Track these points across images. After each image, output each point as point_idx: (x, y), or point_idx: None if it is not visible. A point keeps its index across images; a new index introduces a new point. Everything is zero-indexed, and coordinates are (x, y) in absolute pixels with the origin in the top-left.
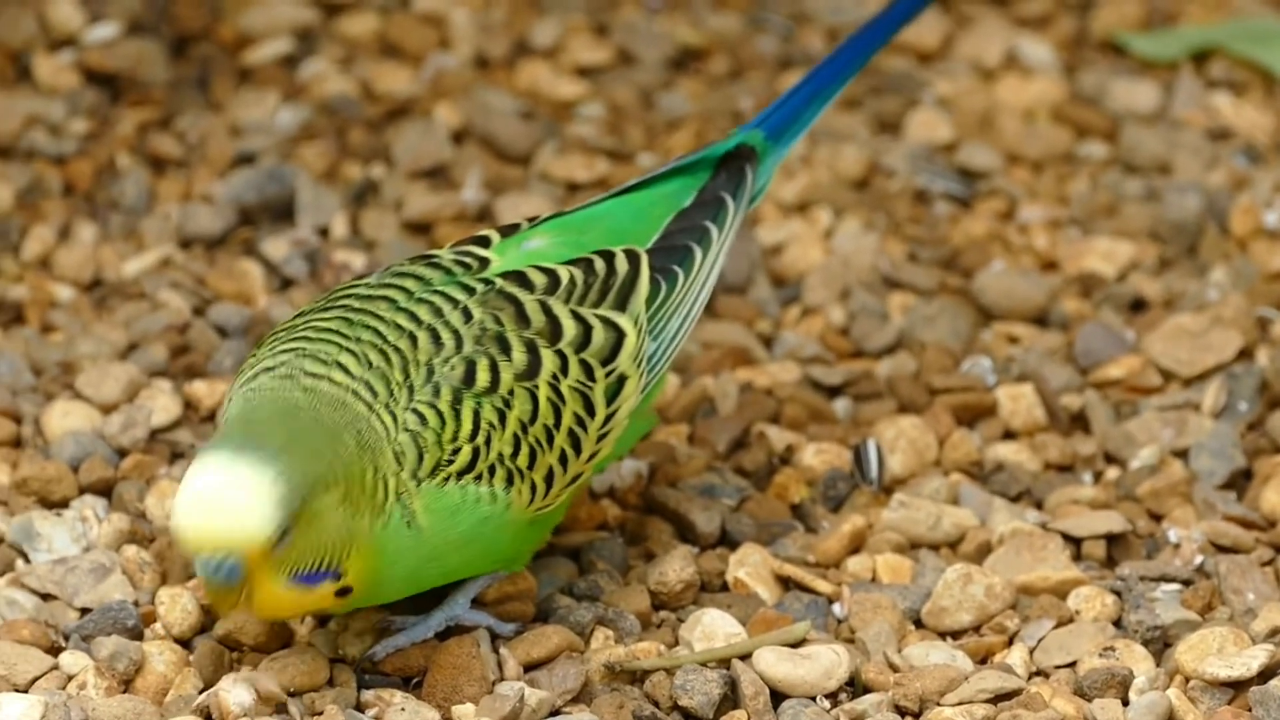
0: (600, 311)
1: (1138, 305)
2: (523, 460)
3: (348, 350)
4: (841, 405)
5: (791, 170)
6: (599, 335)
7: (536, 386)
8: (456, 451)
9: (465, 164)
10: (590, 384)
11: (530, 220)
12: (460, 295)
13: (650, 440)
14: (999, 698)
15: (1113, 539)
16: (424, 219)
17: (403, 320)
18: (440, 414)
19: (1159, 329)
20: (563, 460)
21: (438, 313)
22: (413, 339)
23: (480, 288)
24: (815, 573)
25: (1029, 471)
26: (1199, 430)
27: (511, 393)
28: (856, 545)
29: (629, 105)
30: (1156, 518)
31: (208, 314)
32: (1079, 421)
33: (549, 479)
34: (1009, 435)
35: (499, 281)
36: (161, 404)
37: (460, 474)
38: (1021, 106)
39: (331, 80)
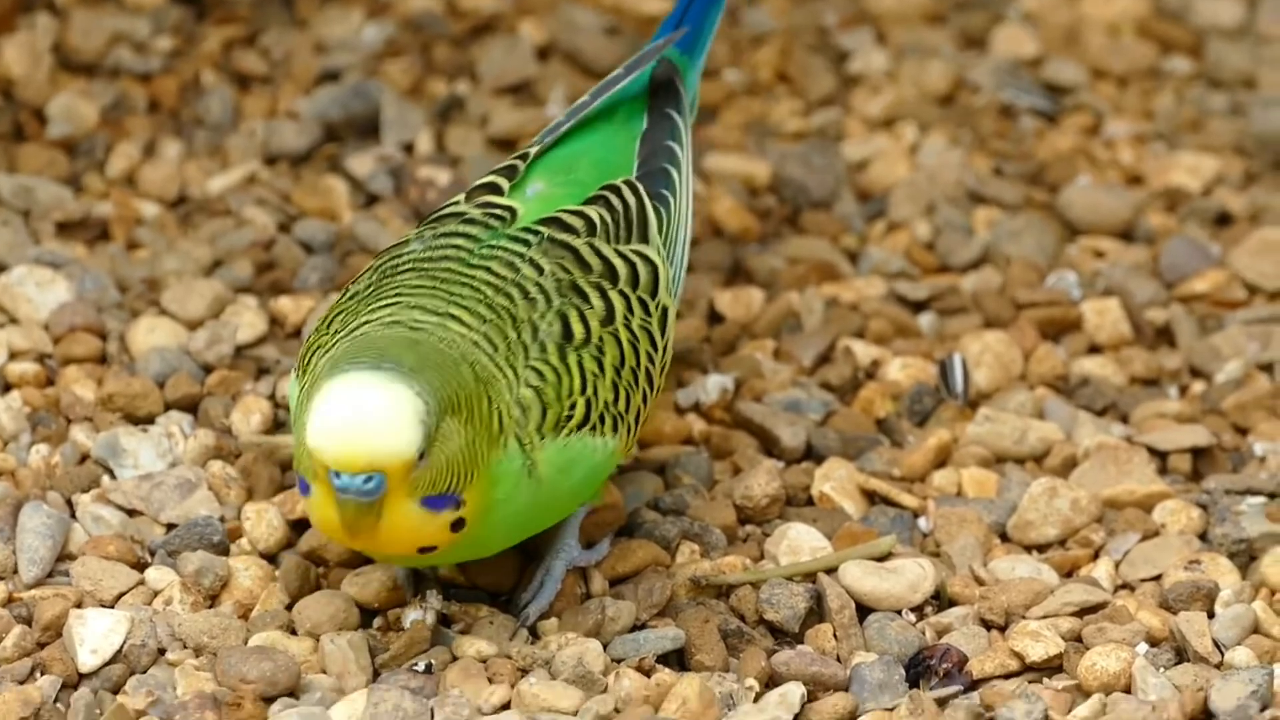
0: (632, 247)
1: (1223, 219)
2: (621, 404)
3: (457, 304)
4: (927, 320)
5: (877, 86)
6: (641, 270)
7: (616, 330)
8: (573, 406)
9: (550, 80)
10: (649, 319)
11: (513, 163)
12: (519, 248)
13: (736, 355)
14: (1085, 611)
15: (1198, 452)
16: (509, 135)
17: (488, 277)
18: (555, 370)
19: (1244, 243)
20: (644, 399)
21: (513, 268)
22: (509, 296)
23: (531, 239)
24: (901, 487)
25: (1114, 385)
26: None
27: (601, 340)
28: (942, 459)
29: None
30: (1242, 431)
31: (293, 230)
32: (1164, 335)
33: (637, 418)
34: (1094, 349)
35: (545, 230)
36: (247, 320)
37: (579, 427)
38: (1106, 21)
39: None
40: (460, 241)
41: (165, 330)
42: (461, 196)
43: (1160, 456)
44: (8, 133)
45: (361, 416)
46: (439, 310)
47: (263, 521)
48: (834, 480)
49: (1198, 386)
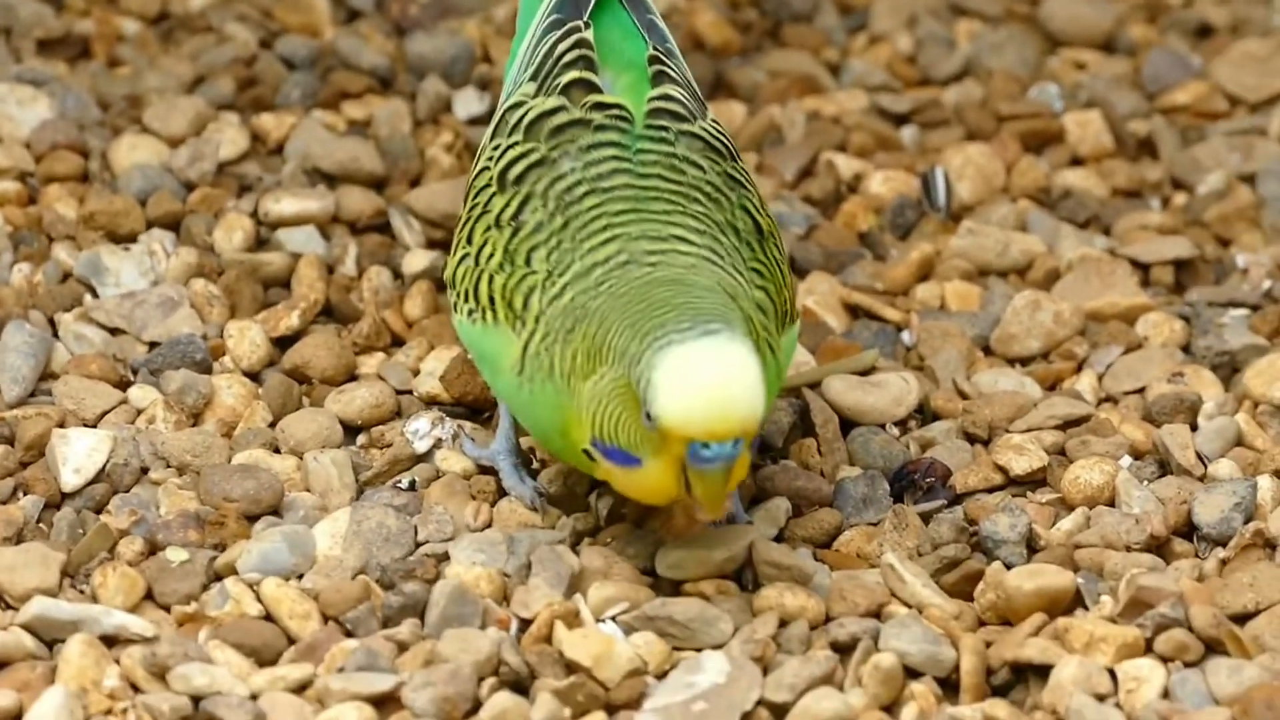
0: (712, 118)
1: (1204, 31)
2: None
3: (671, 224)
4: (909, 133)
5: None
6: (731, 141)
7: (768, 211)
8: (785, 300)
9: None
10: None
11: (585, 54)
12: (665, 149)
13: None
14: (1068, 424)
15: (1181, 264)
16: None
17: (671, 186)
18: (766, 265)
19: (1226, 54)
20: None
21: (679, 171)
22: (699, 202)
23: (667, 135)
24: (884, 300)
25: (1096, 197)
26: (1266, 155)
27: (771, 224)
28: (925, 272)
29: None
30: (1224, 243)
31: (275, 46)
32: (1146, 147)
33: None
34: (1076, 161)
35: (669, 125)
36: (229, 137)
37: (791, 320)
38: None
39: None
40: (613, 152)
41: (147, 148)
42: (552, 99)
43: (1143, 269)
44: None
45: (730, 385)
46: (661, 235)
47: (245, 339)
48: (817, 294)
49: (1180, 198)
